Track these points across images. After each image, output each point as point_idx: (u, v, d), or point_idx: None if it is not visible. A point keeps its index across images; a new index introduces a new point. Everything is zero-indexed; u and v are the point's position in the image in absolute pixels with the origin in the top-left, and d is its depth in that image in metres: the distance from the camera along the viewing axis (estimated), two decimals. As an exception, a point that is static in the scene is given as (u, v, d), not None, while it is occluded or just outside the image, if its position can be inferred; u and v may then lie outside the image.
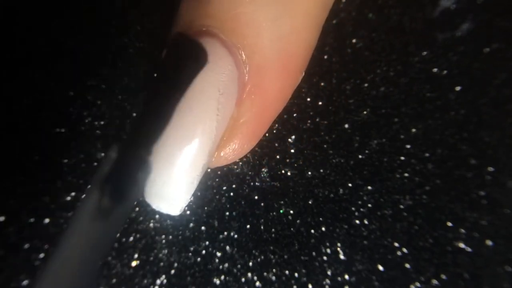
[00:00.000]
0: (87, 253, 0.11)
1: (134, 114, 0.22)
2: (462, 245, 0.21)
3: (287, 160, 0.22)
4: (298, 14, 0.15)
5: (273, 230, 0.21)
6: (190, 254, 0.21)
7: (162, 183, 0.15)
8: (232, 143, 0.17)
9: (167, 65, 0.15)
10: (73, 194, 0.21)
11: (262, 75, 0.16)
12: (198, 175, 0.16)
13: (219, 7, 0.15)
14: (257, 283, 0.21)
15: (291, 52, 0.16)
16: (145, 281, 0.21)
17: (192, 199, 0.21)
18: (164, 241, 0.21)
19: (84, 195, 0.11)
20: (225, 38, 0.15)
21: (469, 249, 0.21)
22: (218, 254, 0.21)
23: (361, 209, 0.21)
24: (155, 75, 0.15)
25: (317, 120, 0.22)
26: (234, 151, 0.17)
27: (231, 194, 0.21)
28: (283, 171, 0.22)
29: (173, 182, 0.15)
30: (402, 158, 0.22)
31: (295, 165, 0.22)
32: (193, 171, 0.15)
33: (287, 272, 0.21)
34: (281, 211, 0.21)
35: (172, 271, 0.21)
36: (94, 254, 0.11)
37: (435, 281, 0.21)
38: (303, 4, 0.15)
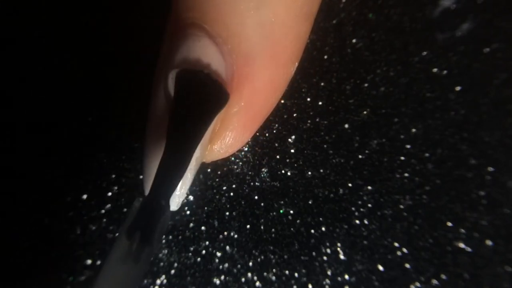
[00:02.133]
0: None
1: (134, 114, 0.22)
2: (462, 245, 0.21)
3: (287, 160, 0.22)
4: (280, 3, 0.15)
5: (273, 230, 0.21)
6: (190, 254, 0.21)
7: None
8: (225, 135, 0.17)
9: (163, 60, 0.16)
10: (73, 194, 0.21)
11: (250, 65, 0.16)
12: (193, 169, 0.16)
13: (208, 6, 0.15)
14: (257, 283, 0.21)
15: (277, 41, 0.16)
16: (145, 281, 0.21)
17: (192, 199, 0.21)
18: (164, 241, 0.21)
19: (114, 243, 0.13)
20: (209, 29, 0.15)
21: (469, 249, 0.21)
22: (218, 254, 0.21)
23: (361, 209, 0.21)
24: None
25: (317, 120, 0.22)
26: (227, 144, 0.17)
27: (231, 194, 0.21)
28: (283, 171, 0.22)
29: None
30: (402, 158, 0.22)
31: (295, 165, 0.22)
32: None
33: (287, 272, 0.21)
34: (281, 211, 0.21)
35: (172, 271, 0.21)
36: None
37: (435, 281, 0.21)
38: None
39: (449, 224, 0.21)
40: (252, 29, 0.15)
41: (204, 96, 0.15)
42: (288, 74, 0.17)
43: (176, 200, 0.16)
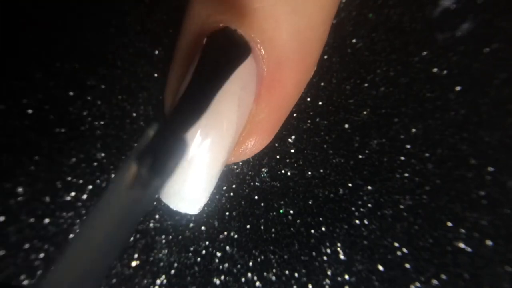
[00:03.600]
0: (118, 224, 0.11)
1: (134, 114, 0.22)
2: (462, 245, 0.21)
3: (287, 160, 0.22)
4: (314, 8, 0.15)
5: (273, 230, 0.21)
6: (190, 254, 0.21)
7: (182, 181, 0.15)
8: (251, 139, 0.16)
9: (188, 63, 0.15)
10: (73, 194, 0.21)
11: (281, 70, 0.16)
12: (218, 172, 0.15)
13: (237, 2, 0.14)
14: (257, 283, 0.21)
15: (308, 46, 0.16)
16: (145, 281, 0.21)
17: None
18: (164, 241, 0.21)
19: (120, 165, 0.11)
20: (244, 34, 0.15)
21: (469, 249, 0.21)
22: (218, 254, 0.21)
23: (361, 209, 0.21)
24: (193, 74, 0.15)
25: (317, 120, 0.22)
26: (252, 147, 0.17)
27: (231, 194, 0.21)
28: (283, 171, 0.22)
29: (193, 180, 0.15)
30: (402, 158, 0.22)
31: (295, 165, 0.22)
32: (212, 168, 0.15)
33: (287, 272, 0.21)
34: (281, 211, 0.21)
35: (172, 271, 0.21)
36: (124, 226, 0.11)
37: (435, 281, 0.21)
38: None
39: (449, 224, 0.21)
40: (286, 34, 0.15)
41: (232, 46, 0.14)
42: (310, 76, 0.17)
43: (197, 205, 0.16)
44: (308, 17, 0.15)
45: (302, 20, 0.15)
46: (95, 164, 0.21)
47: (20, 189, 0.21)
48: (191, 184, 0.15)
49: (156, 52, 0.22)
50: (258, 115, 0.16)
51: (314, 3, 0.15)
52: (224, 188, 0.21)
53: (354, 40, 0.22)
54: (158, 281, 0.21)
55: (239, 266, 0.21)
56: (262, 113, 0.16)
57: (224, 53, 0.14)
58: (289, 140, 0.22)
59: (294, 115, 0.22)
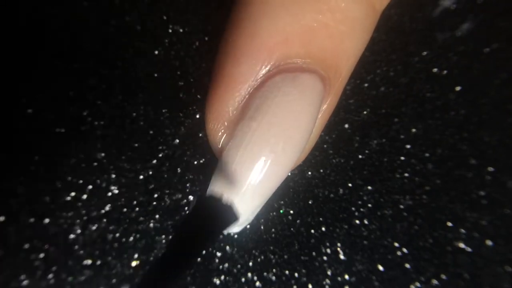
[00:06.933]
0: None
1: (134, 114, 0.22)
2: (462, 245, 0.21)
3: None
4: (368, 39, 0.16)
5: (273, 230, 0.21)
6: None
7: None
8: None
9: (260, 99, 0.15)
10: (73, 194, 0.21)
11: (336, 101, 0.16)
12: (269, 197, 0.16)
13: (323, 47, 0.14)
14: (257, 283, 0.21)
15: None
16: (145, 281, 0.21)
17: (191, 198, 0.21)
18: (164, 241, 0.21)
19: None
20: (325, 75, 0.15)
21: (469, 249, 0.21)
22: (218, 254, 0.21)
23: (361, 209, 0.21)
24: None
25: (317, 120, 0.22)
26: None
27: (231, 194, 0.21)
28: (283, 171, 0.22)
29: (251, 212, 0.15)
30: (402, 158, 0.22)
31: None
32: (266, 198, 0.15)
33: (287, 272, 0.21)
34: (281, 211, 0.21)
35: (172, 271, 0.21)
36: None
37: (435, 281, 0.21)
38: (372, 28, 0.16)
39: (449, 224, 0.21)
40: (347, 70, 0.16)
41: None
42: None
43: (244, 225, 0.16)
44: (362, 50, 0.16)
45: (360, 53, 0.16)
46: (95, 164, 0.21)
47: (20, 189, 0.21)
48: (246, 212, 0.15)
49: (156, 52, 0.22)
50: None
51: (367, 40, 0.16)
52: (224, 188, 0.21)
53: (354, 40, 0.22)
54: (158, 281, 0.21)
55: (239, 266, 0.21)
56: (311, 139, 0.16)
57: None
58: (289, 140, 0.22)
59: (294, 115, 0.22)
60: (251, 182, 0.14)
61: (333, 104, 0.16)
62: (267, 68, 0.14)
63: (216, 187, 0.15)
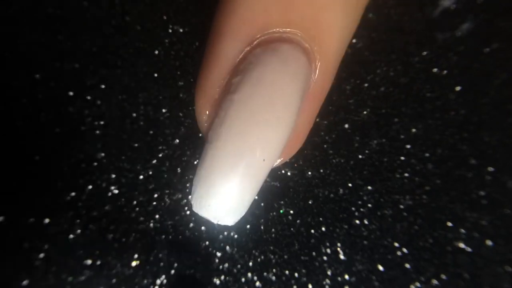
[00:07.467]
0: None
1: (134, 114, 0.22)
2: (462, 245, 0.21)
3: (287, 160, 0.22)
4: (356, 19, 0.15)
5: (273, 230, 0.21)
6: (190, 254, 0.21)
7: (227, 193, 0.14)
8: (287, 148, 0.16)
9: (242, 70, 0.14)
10: (73, 194, 0.21)
11: (326, 81, 0.15)
12: (261, 183, 0.15)
13: (302, 14, 0.14)
14: (257, 283, 0.21)
15: (341, 58, 0.16)
16: (145, 281, 0.21)
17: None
18: (164, 241, 0.21)
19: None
20: (307, 46, 0.14)
21: (469, 249, 0.21)
22: (218, 254, 0.21)
23: (361, 209, 0.21)
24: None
25: (317, 120, 0.22)
26: (283, 159, 0.17)
27: (231, 194, 0.21)
28: (283, 171, 0.22)
29: (241, 193, 0.14)
30: (402, 158, 0.22)
31: (295, 165, 0.22)
32: (262, 180, 0.15)
33: (287, 272, 0.21)
34: (281, 211, 0.21)
35: (172, 271, 0.21)
36: None
37: (435, 281, 0.21)
38: (360, 9, 0.15)
39: (449, 224, 0.21)
40: (337, 48, 0.15)
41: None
42: None
43: (238, 216, 0.15)
44: (350, 30, 0.15)
45: (348, 33, 0.15)
46: (95, 164, 0.21)
47: (19, 189, 0.21)
48: (240, 198, 0.14)
49: (156, 52, 0.22)
50: (297, 125, 0.15)
51: (354, 19, 0.15)
52: (224, 188, 0.21)
53: (354, 40, 0.22)
54: (158, 281, 0.21)
55: (239, 266, 0.21)
56: (303, 124, 0.16)
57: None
58: (289, 140, 0.22)
59: (294, 115, 0.22)
60: (237, 159, 0.14)
61: (323, 85, 0.15)
62: (248, 42, 0.14)
63: (203, 170, 0.14)
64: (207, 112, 0.15)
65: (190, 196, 0.16)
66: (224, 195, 0.14)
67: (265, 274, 0.21)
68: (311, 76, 0.15)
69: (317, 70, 0.15)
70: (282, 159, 0.17)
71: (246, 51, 0.14)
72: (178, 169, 0.21)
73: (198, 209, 0.15)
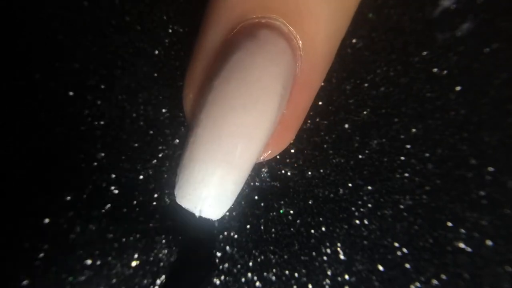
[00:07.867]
0: None
1: (134, 114, 0.22)
2: (462, 245, 0.21)
3: (287, 160, 0.22)
4: (344, 14, 0.15)
5: (273, 230, 0.21)
6: (190, 254, 0.21)
7: (212, 185, 0.14)
8: (277, 141, 0.16)
9: (223, 57, 0.14)
10: (73, 194, 0.21)
11: (313, 72, 0.15)
12: (248, 174, 0.14)
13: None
14: (257, 283, 0.21)
15: (334, 51, 0.15)
16: (145, 281, 0.21)
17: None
18: (164, 241, 0.21)
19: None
20: (288, 32, 0.14)
21: (469, 249, 0.21)
22: (218, 254, 0.21)
23: (361, 209, 0.21)
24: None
25: (317, 120, 0.22)
26: (271, 153, 0.16)
27: (231, 194, 0.21)
28: (283, 171, 0.22)
29: (221, 182, 0.14)
30: (402, 158, 0.22)
31: (295, 165, 0.22)
32: (244, 170, 0.14)
33: (287, 272, 0.21)
34: (281, 211, 0.21)
35: (172, 271, 0.21)
36: None
37: (435, 281, 0.21)
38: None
39: (449, 224, 0.21)
40: (325, 36, 0.15)
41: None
42: None
43: (223, 210, 0.15)
44: (340, 22, 0.15)
45: (337, 24, 0.15)
46: (95, 164, 0.21)
47: (19, 189, 0.21)
48: (221, 188, 0.14)
49: (156, 52, 0.22)
50: (285, 116, 0.15)
51: (347, 10, 0.15)
52: (224, 188, 0.21)
53: (354, 40, 0.22)
54: (158, 281, 0.21)
55: (239, 266, 0.21)
56: (291, 115, 0.15)
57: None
58: (289, 140, 0.22)
59: (294, 115, 0.22)
60: (216, 145, 0.13)
61: (311, 74, 0.15)
62: (229, 29, 0.14)
63: (184, 158, 0.14)
64: (191, 101, 0.15)
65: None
66: (203, 184, 0.14)
67: (265, 274, 0.21)
68: (295, 63, 0.14)
69: (303, 58, 0.15)
70: (270, 151, 0.16)
71: (227, 38, 0.14)
72: (178, 169, 0.21)
73: (180, 199, 0.14)
